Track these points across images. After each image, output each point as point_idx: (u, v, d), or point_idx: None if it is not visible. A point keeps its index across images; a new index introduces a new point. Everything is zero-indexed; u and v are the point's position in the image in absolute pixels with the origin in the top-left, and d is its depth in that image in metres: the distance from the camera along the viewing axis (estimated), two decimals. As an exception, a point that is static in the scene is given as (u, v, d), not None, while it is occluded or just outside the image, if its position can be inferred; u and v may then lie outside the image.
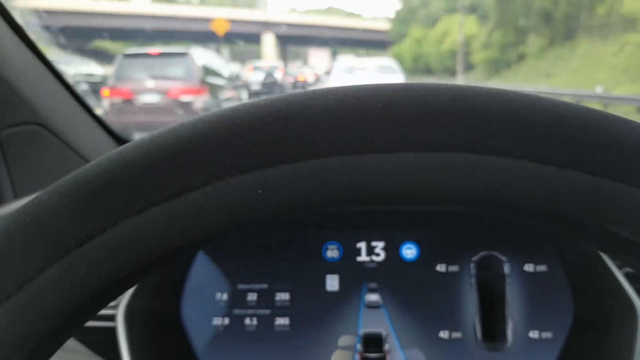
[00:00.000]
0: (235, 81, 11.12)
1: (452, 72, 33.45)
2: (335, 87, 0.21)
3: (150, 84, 7.88)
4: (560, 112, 0.19)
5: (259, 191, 0.20)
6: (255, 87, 15.85)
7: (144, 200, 0.20)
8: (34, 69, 0.84)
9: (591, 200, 0.19)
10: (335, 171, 0.20)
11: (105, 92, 7.99)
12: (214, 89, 8.43)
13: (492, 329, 0.74)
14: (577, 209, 0.20)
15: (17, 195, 0.81)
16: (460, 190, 0.20)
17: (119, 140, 1.03)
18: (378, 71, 12.41)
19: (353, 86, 0.21)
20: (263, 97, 0.21)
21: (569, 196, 0.19)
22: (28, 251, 0.20)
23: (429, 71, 38.50)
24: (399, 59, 31.96)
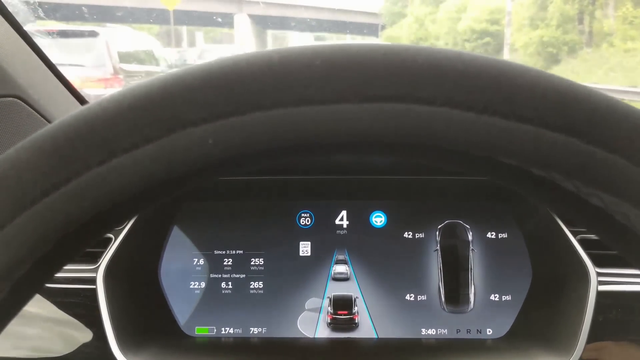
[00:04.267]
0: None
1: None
2: (279, 48, 0.24)
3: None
4: (479, 64, 0.22)
5: (210, 141, 0.22)
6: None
7: (105, 152, 0.22)
8: (12, 41, 0.84)
9: (505, 142, 0.22)
10: (277, 122, 0.22)
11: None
12: (135, 80, 6.91)
13: (456, 293, 0.79)
14: (494, 150, 0.23)
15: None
16: (389, 135, 0.23)
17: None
18: None
19: (295, 46, 0.24)
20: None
21: (487, 138, 0.22)
22: None
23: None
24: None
